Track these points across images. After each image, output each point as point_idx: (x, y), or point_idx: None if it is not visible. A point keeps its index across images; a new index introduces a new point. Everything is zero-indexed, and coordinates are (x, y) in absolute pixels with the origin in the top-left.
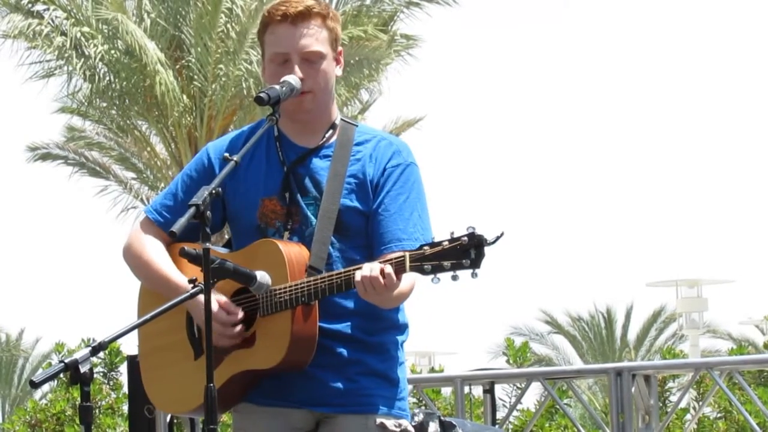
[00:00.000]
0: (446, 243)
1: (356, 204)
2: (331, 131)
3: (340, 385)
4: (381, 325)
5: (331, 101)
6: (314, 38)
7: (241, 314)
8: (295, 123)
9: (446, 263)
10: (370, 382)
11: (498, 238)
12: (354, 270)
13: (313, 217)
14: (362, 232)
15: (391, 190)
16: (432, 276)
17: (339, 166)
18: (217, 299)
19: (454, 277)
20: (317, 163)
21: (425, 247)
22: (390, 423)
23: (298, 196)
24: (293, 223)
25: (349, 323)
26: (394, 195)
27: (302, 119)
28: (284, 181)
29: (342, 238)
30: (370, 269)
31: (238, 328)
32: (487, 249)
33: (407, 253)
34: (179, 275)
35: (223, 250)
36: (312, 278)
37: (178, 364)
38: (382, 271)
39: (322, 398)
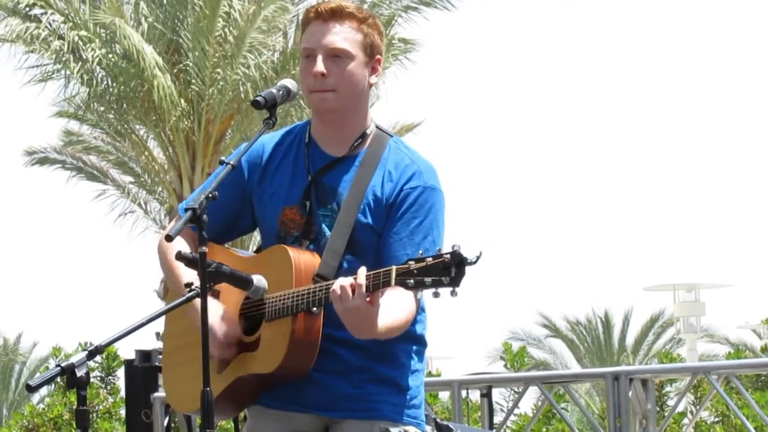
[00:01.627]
0: (430, 259)
1: (369, 220)
2: (361, 140)
3: (346, 390)
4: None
5: (360, 106)
6: (342, 36)
7: (237, 331)
8: (323, 125)
9: (427, 280)
10: (377, 388)
11: (478, 258)
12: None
13: (327, 229)
14: (373, 250)
15: (406, 213)
16: (415, 291)
17: (362, 178)
18: (220, 315)
19: (435, 294)
20: (342, 173)
21: (411, 262)
22: (395, 430)
23: (316, 206)
24: (311, 233)
25: None
26: (408, 219)
27: (327, 119)
28: (306, 190)
29: (353, 254)
30: (342, 280)
31: (231, 349)
32: (468, 268)
33: (394, 267)
34: (188, 271)
35: (245, 253)
36: (314, 285)
37: (192, 363)
38: (352, 286)
39: (328, 403)
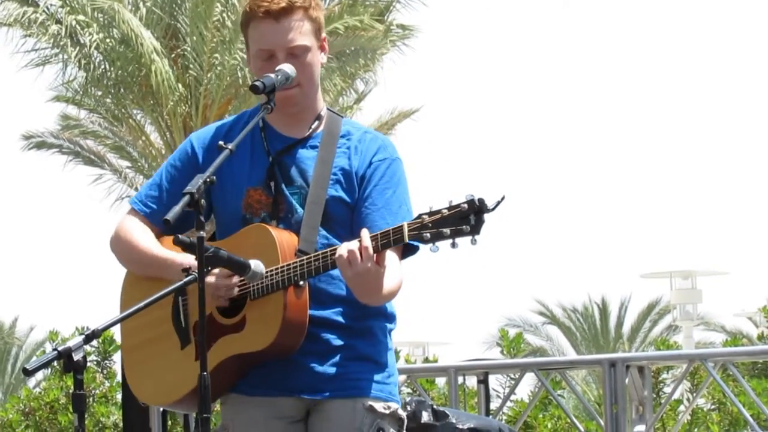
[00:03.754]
0: (445, 210)
1: (341, 194)
2: (317, 122)
3: (328, 370)
4: (368, 312)
5: (317, 92)
6: (298, 32)
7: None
8: (283, 114)
9: (446, 230)
10: (359, 366)
11: (498, 203)
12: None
13: (298, 206)
14: (346, 224)
15: (378, 184)
16: (431, 245)
17: (326, 155)
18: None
19: (454, 245)
20: (304, 153)
21: (424, 216)
22: (379, 405)
23: (283, 185)
24: (279, 212)
25: (336, 309)
26: (381, 189)
27: (291, 111)
28: (269, 170)
29: (325, 227)
30: (348, 244)
31: (235, 278)
32: (486, 216)
33: (405, 223)
34: (168, 252)
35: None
36: (304, 257)
37: (163, 355)
38: (359, 249)
39: (310, 385)
